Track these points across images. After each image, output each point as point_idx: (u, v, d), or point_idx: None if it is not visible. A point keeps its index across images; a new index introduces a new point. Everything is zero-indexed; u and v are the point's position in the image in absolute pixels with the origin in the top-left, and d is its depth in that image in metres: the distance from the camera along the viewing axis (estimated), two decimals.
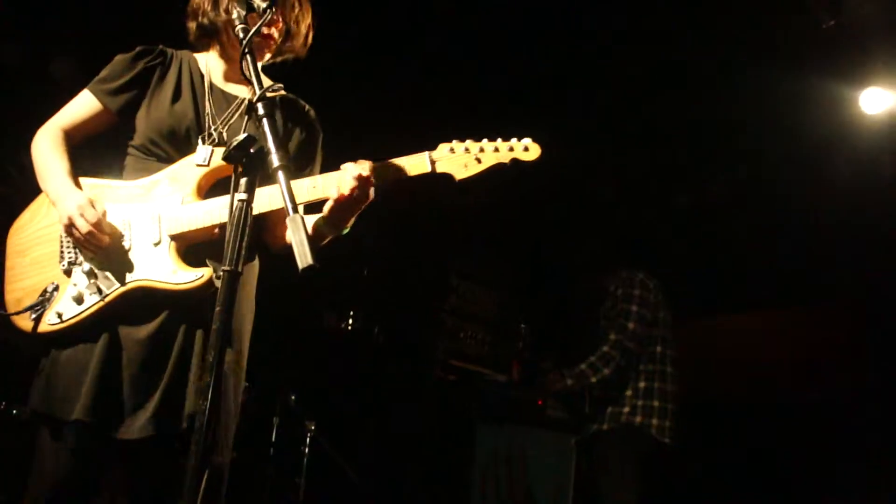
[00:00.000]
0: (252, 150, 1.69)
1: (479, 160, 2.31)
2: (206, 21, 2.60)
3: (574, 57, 5.12)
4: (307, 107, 2.74)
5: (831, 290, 6.08)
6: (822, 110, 5.10)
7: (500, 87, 5.34)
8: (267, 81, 2.04)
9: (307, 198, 2.35)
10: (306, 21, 2.67)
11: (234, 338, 2.46)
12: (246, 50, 1.91)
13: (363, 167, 2.25)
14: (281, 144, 1.73)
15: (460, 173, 2.31)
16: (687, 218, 6.25)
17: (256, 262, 2.63)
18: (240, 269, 1.76)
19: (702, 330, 6.52)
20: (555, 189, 5.91)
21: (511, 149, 2.33)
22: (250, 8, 2.26)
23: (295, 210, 1.70)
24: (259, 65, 2.63)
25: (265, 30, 2.55)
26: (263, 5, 2.46)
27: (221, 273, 2.28)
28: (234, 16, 2.26)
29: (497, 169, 2.31)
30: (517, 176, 2.26)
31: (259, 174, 1.75)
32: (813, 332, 6.39)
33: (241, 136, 1.72)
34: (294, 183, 2.13)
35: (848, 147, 5.28)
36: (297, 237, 1.66)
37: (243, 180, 1.70)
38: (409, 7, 4.83)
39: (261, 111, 1.80)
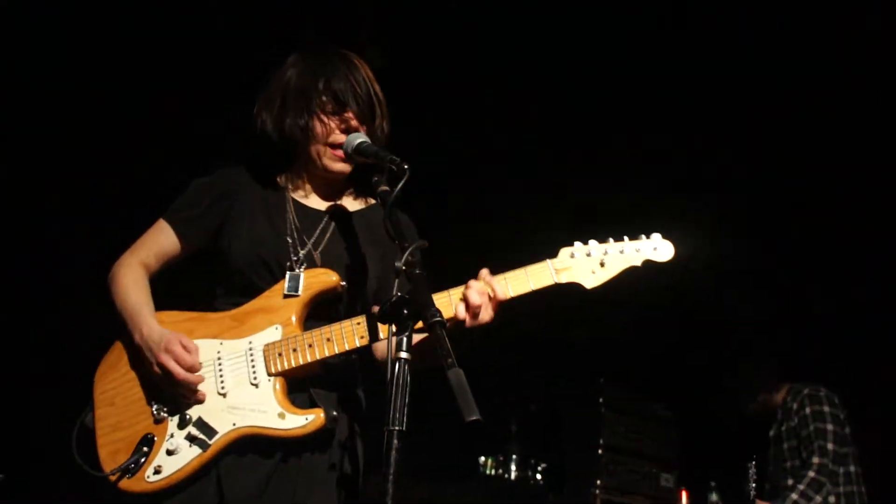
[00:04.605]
0: (406, 311, 1.64)
1: (604, 264, 2.15)
2: (273, 144, 2.45)
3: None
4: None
5: None
6: None
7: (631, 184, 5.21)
8: (408, 237, 1.95)
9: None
10: (384, 118, 2.47)
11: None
12: (388, 215, 1.88)
13: (480, 291, 2.08)
14: (430, 300, 1.68)
15: (589, 282, 2.14)
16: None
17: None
18: (405, 428, 1.66)
19: None
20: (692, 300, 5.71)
21: (638, 249, 2.17)
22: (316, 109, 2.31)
23: (454, 364, 1.61)
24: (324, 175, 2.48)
25: (335, 138, 2.39)
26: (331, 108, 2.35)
27: (335, 415, 2.18)
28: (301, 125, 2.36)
29: (628, 272, 2.14)
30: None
31: (412, 329, 1.67)
32: None
33: (395, 297, 1.67)
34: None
35: None
36: (461, 392, 1.60)
37: (403, 339, 1.57)
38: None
39: (412, 269, 1.75)
